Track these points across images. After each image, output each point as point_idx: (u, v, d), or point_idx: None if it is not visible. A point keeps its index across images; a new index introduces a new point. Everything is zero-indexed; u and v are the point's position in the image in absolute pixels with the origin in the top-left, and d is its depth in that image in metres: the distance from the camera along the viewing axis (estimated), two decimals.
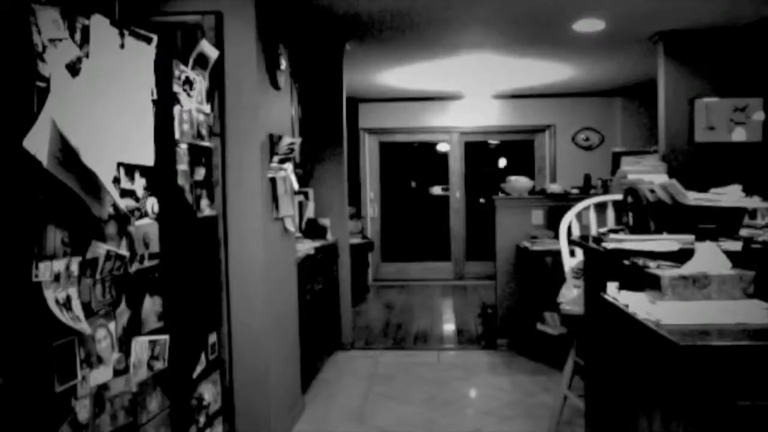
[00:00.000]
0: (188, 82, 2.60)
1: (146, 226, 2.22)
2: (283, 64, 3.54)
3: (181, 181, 2.53)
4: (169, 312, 2.36)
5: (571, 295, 3.30)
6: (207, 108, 2.82)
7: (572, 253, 3.47)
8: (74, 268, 1.81)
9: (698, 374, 1.67)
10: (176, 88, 2.49)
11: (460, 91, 7.81)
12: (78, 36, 1.85)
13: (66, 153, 1.74)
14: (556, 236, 3.86)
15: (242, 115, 3.11)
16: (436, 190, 9.00)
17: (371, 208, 8.79)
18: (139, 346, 2.16)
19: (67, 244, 1.78)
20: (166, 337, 2.31)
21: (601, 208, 3.66)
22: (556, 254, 3.77)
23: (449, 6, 4.25)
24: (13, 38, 1.66)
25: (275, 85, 3.44)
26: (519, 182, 5.81)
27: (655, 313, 1.87)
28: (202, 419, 2.69)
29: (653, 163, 4.41)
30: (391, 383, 4.35)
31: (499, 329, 5.32)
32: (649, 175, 3.57)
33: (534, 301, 4.88)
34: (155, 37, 2.25)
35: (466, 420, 3.67)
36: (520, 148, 8.75)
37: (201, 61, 2.77)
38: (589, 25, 4.73)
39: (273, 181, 3.33)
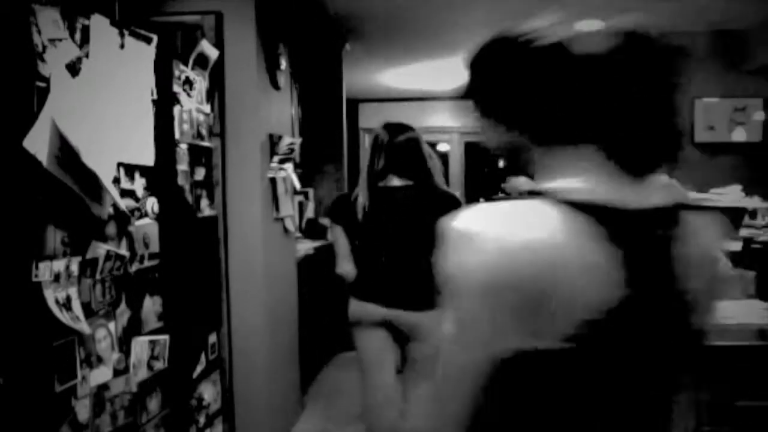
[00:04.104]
0: (188, 82, 2.60)
1: (146, 226, 2.22)
2: (283, 64, 3.54)
3: (181, 181, 2.53)
4: (169, 312, 2.36)
5: None
6: (207, 108, 2.82)
7: None
8: (74, 268, 1.81)
9: (698, 374, 1.67)
10: (176, 88, 2.49)
11: (460, 92, 7.81)
12: (78, 36, 1.85)
13: (66, 153, 1.74)
14: None
15: (242, 115, 3.11)
16: None
17: None
18: (139, 346, 2.15)
19: (67, 244, 1.78)
20: (166, 337, 2.30)
21: None
22: None
23: (449, 7, 4.25)
24: (13, 38, 1.66)
25: (275, 85, 3.44)
26: (519, 182, 5.81)
27: None
28: (202, 419, 2.69)
29: None
30: None
31: None
32: None
33: None
34: (155, 37, 2.24)
35: None
36: None
37: (201, 61, 2.76)
38: (588, 26, 4.73)
39: (273, 181, 3.33)
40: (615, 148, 0.79)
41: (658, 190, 0.83)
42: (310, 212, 5.28)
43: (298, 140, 3.66)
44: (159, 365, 2.27)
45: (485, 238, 0.73)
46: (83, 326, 1.80)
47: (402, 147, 2.56)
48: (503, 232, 0.73)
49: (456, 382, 0.77)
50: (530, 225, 0.74)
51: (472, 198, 8.87)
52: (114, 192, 1.96)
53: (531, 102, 0.83)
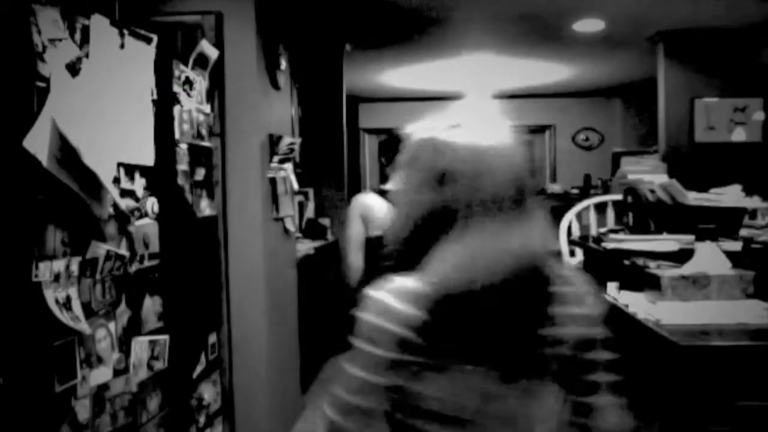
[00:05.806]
0: (188, 82, 2.60)
1: (146, 226, 2.22)
2: (283, 64, 3.54)
3: (181, 181, 2.53)
4: (169, 312, 2.36)
5: None
6: (207, 108, 2.82)
7: (572, 253, 3.47)
8: (74, 268, 1.81)
9: (698, 374, 1.67)
10: (176, 88, 2.49)
11: (460, 91, 7.81)
12: (78, 36, 1.85)
13: (66, 153, 1.74)
14: (556, 236, 3.86)
15: (242, 115, 3.11)
16: None
17: None
18: (139, 346, 2.15)
19: (67, 244, 1.78)
20: (166, 337, 2.30)
21: (601, 208, 3.66)
22: (556, 254, 3.76)
23: (450, 6, 4.25)
24: (13, 38, 1.66)
25: (275, 85, 3.44)
26: None
27: (655, 313, 1.87)
28: (202, 419, 2.69)
29: (653, 163, 4.40)
30: None
31: None
32: (649, 175, 3.56)
33: None
34: (155, 37, 2.24)
35: None
36: None
37: (201, 61, 2.76)
38: (589, 25, 4.73)
39: (273, 181, 3.33)
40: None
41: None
42: (310, 212, 5.28)
43: (298, 140, 3.66)
44: (159, 365, 2.27)
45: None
46: (83, 326, 1.80)
47: None
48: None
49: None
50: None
51: None
52: (114, 192, 1.96)
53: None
